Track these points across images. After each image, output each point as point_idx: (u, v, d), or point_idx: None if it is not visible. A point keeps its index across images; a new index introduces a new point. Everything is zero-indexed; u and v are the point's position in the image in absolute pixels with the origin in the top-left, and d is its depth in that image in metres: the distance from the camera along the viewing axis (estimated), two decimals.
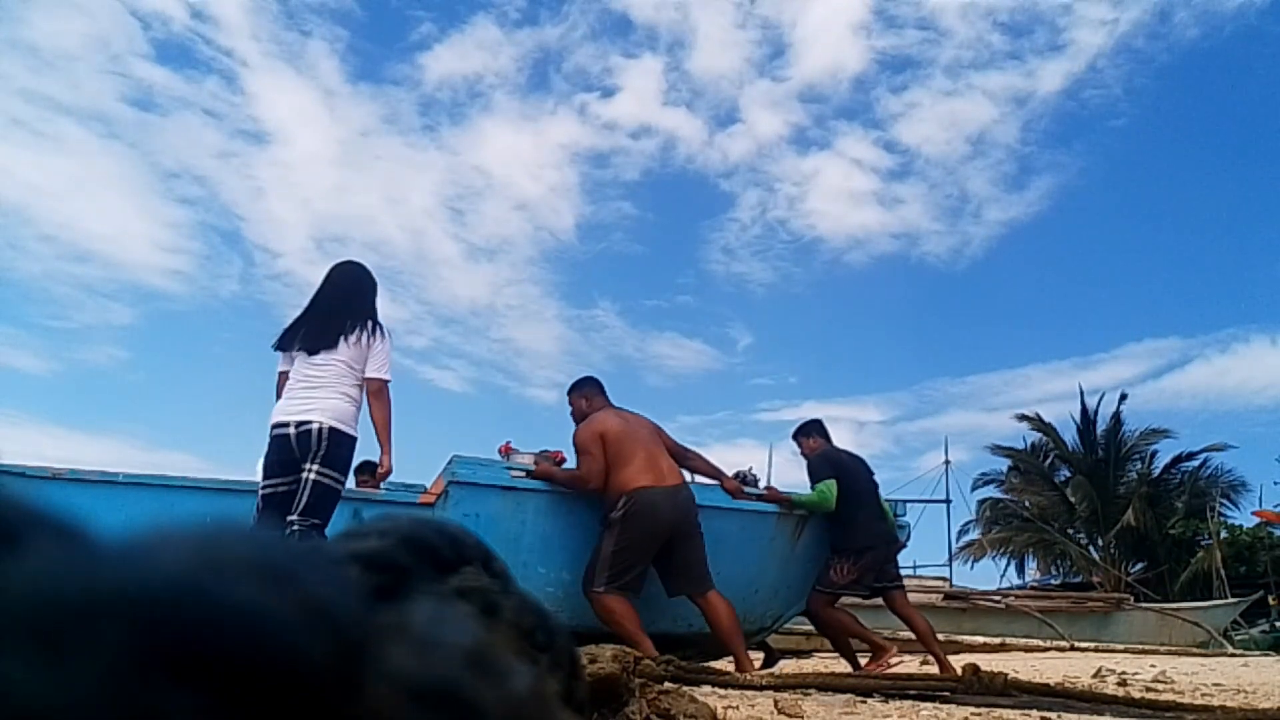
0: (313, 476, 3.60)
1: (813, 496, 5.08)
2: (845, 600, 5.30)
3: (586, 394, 4.75)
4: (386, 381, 3.86)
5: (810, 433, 5.49)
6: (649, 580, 4.34)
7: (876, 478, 5.42)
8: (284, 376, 3.85)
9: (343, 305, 3.87)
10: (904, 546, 5.58)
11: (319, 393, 3.70)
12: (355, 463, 4.08)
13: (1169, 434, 23.68)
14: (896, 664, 4.87)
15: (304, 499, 3.59)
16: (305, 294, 4.15)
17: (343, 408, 3.71)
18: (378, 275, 4.12)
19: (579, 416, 4.70)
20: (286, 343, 3.86)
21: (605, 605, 4.15)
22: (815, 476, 5.17)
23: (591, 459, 4.39)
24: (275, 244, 42.83)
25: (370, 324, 3.84)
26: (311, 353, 3.77)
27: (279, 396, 3.84)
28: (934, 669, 4.96)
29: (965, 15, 39.74)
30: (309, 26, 40.87)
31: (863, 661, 5.14)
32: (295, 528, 3.57)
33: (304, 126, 43.88)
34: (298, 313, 3.93)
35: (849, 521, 5.05)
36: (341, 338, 3.77)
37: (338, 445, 3.66)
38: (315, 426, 3.63)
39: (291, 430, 3.65)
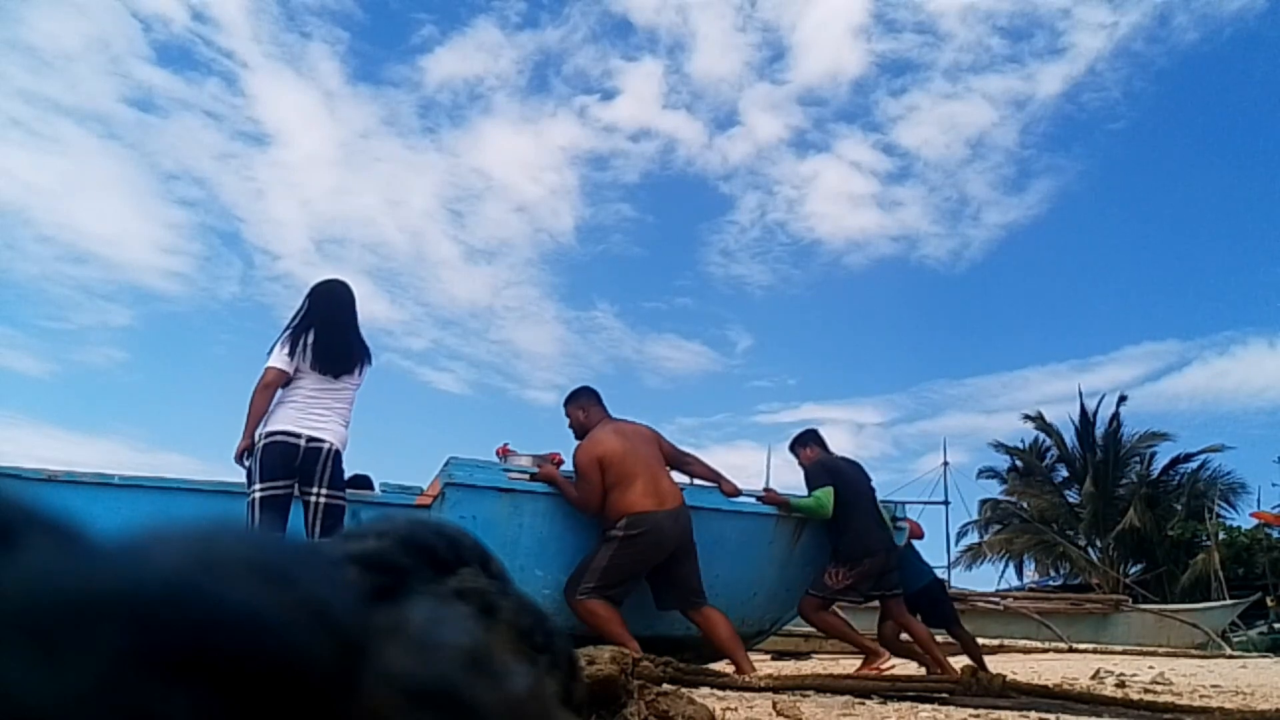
0: (324, 501, 3.83)
1: (809, 502, 5.06)
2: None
3: (583, 405, 4.70)
4: None
5: (807, 442, 5.49)
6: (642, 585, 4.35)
7: (874, 483, 5.42)
8: (282, 376, 3.88)
9: (356, 332, 4.11)
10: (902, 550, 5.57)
11: (334, 416, 3.93)
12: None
13: (1168, 437, 23.75)
14: (888, 668, 4.83)
15: (320, 523, 3.80)
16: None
17: (344, 434, 3.99)
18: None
19: (577, 428, 4.66)
20: (317, 363, 3.91)
21: (588, 609, 4.13)
22: (813, 484, 5.16)
23: (589, 486, 4.35)
24: (275, 246, 42.73)
25: (369, 355, 4.15)
26: (335, 376, 3.95)
27: (266, 394, 3.87)
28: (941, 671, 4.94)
29: (964, 19, 39.84)
30: (309, 28, 40.86)
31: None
32: None
33: (304, 128, 43.90)
34: (307, 324, 3.98)
35: (845, 529, 5.02)
36: (359, 366, 4.05)
37: (339, 469, 3.93)
38: (326, 447, 3.84)
39: (302, 443, 3.80)
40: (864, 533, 5.04)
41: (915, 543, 5.93)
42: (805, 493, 5.17)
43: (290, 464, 3.77)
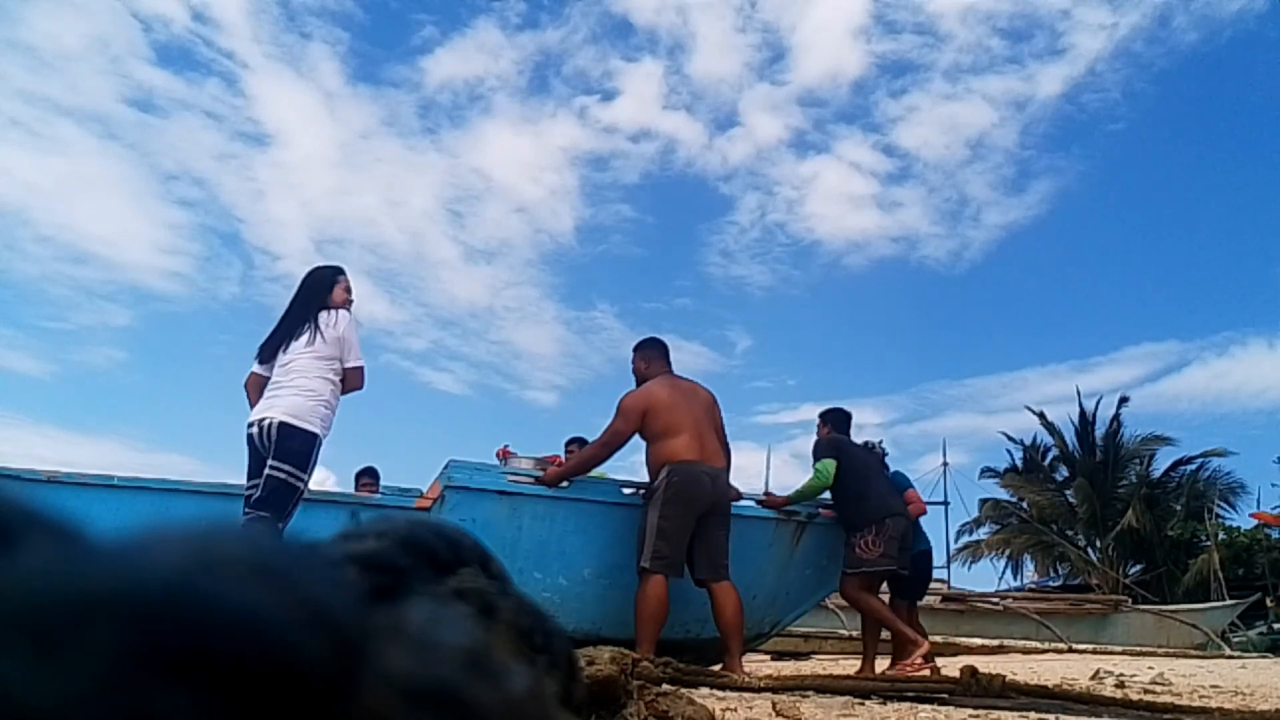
0: (268, 471, 3.63)
1: (809, 481, 5.05)
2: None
3: (647, 356, 4.78)
4: (360, 368, 3.94)
5: (829, 421, 5.52)
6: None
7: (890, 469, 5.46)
8: (253, 377, 3.97)
9: (300, 310, 3.97)
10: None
11: (283, 391, 3.78)
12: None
13: (1170, 441, 23.66)
14: (919, 666, 4.67)
15: (260, 492, 3.64)
16: None
17: (298, 403, 3.71)
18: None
19: (638, 377, 4.75)
20: (260, 355, 3.97)
21: (648, 588, 4.15)
22: (816, 455, 5.17)
23: (620, 426, 4.42)
24: (275, 246, 42.70)
25: (319, 316, 3.89)
26: (279, 353, 3.89)
27: (249, 395, 3.98)
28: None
29: (964, 20, 39.88)
30: (309, 29, 40.87)
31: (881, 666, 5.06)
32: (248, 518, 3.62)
33: (304, 128, 43.96)
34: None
35: (861, 496, 5.00)
36: (307, 335, 3.84)
37: (287, 439, 3.65)
38: (267, 422, 3.70)
39: (254, 430, 3.74)
40: (880, 496, 5.03)
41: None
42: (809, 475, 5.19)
43: (259, 457, 3.71)
